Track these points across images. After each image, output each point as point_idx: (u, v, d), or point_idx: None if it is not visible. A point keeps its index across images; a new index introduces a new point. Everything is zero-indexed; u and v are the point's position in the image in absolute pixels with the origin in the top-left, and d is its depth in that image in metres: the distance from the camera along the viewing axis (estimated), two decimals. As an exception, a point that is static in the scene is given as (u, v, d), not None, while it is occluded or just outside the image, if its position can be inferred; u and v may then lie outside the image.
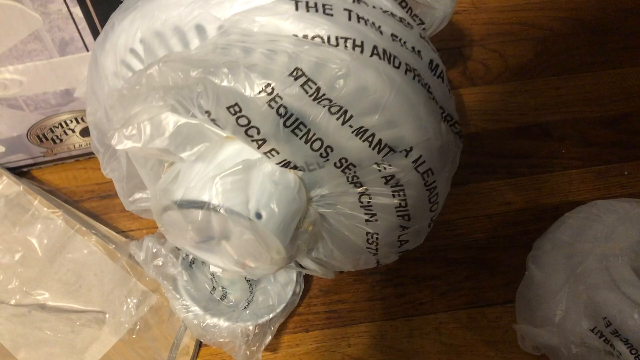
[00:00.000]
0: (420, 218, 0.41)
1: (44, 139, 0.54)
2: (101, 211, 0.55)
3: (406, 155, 0.37)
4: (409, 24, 0.38)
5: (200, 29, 0.36)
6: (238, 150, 0.37)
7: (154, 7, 0.36)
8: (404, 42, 0.37)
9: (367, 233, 0.42)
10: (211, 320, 0.43)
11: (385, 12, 0.37)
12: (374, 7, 0.36)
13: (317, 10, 0.33)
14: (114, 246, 0.49)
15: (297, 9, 0.33)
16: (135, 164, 0.42)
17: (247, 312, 0.44)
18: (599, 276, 0.44)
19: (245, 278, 0.46)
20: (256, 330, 0.43)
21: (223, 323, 0.43)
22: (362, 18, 0.35)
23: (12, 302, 0.47)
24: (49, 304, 0.47)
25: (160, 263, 0.45)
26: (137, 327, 0.46)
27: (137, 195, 0.46)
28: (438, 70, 0.39)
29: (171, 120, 0.36)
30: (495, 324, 0.49)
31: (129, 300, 0.46)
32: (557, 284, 0.45)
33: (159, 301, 0.47)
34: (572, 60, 0.66)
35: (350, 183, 0.39)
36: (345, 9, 0.34)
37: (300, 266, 0.49)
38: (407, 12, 0.44)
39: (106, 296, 0.47)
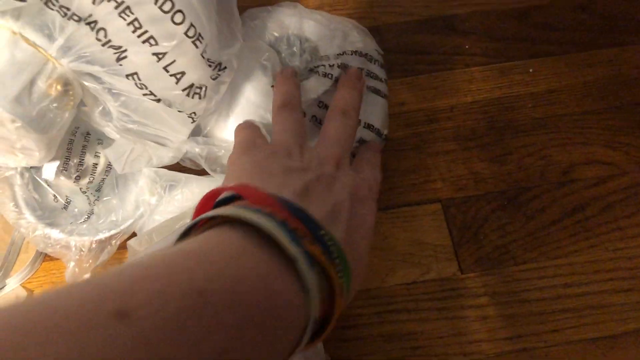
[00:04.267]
0: (166, 37, 0.34)
1: None
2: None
3: None
4: None
5: None
6: None
7: None
8: None
9: (128, 76, 0.36)
10: (42, 231, 0.39)
11: None
12: None
13: None
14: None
15: None
16: None
17: (85, 226, 0.40)
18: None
19: (81, 189, 0.42)
20: (93, 246, 0.40)
21: (56, 235, 0.39)
22: None
23: None
24: None
25: (-5, 165, 0.40)
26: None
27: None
28: None
29: None
30: (376, 229, 0.46)
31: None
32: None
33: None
34: (488, -54, 0.59)
35: (69, 19, 0.34)
36: None
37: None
38: None
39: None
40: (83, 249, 0.41)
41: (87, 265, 0.40)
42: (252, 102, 0.43)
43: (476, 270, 0.44)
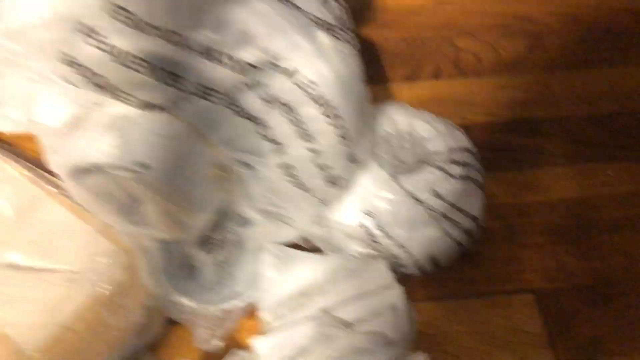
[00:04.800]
0: (322, 135, 0.40)
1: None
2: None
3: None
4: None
5: None
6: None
7: None
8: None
9: (280, 166, 0.40)
10: (174, 298, 0.42)
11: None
12: None
13: None
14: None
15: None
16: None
17: (214, 294, 0.44)
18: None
19: (213, 262, 0.46)
20: (220, 314, 0.43)
21: (186, 302, 0.42)
22: None
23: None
24: (20, 264, 0.45)
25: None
26: (109, 285, 0.44)
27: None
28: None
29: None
30: (474, 315, 0.49)
31: (99, 259, 0.45)
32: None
33: (132, 261, 0.45)
34: (564, 57, 0.66)
35: (235, 113, 0.38)
36: None
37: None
38: None
39: (77, 255, 0.45)
40: (211, 317, 0.44)
41: (216, 332, 0.43)
42: (367, 189, 0.47)
43: (572, 361, 0.47)
